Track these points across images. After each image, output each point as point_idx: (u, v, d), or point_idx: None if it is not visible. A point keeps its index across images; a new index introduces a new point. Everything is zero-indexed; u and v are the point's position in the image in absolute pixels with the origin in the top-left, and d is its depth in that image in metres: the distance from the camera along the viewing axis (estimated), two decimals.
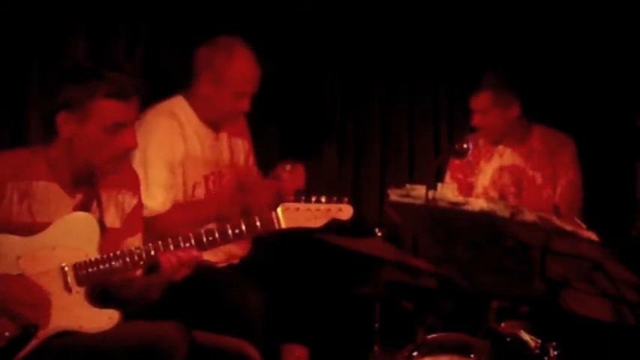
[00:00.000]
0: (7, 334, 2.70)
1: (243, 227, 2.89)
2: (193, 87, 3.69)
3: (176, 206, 3.55)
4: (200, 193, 3.67)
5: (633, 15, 4.42)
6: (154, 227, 3.21)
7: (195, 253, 2.83)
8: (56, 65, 3.93)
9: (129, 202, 3.01)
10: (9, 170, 2.82)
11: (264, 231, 2.92)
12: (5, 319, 2.71)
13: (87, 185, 2.90)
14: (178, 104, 3.68)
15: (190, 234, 2.86)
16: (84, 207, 2.89)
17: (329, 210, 2.92)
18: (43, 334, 2.73)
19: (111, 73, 2.79)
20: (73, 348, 2.73)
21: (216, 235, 2.88)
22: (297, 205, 2.90)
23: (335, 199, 2.95)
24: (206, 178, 3.69)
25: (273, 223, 2.90)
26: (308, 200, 2.92)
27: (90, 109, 2.78)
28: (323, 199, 2.92)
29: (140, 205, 3.07)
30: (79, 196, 2.89)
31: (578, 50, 4.58)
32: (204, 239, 2.86)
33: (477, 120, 4.13)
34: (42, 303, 2.73)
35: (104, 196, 2.93)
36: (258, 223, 2.90)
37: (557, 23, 4.59)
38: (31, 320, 2.72)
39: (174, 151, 3.59)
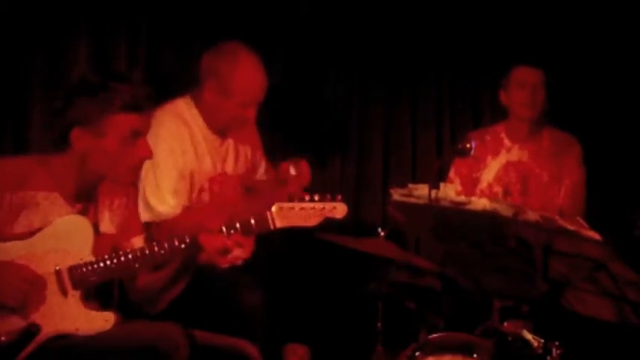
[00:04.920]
0: (3, 338, 2.70)
1: (238, 226, 2.90)
2: (198, 93, 3.67)
3: (186, 210, 3.55)
4: (205, 196, 3.66)
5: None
6: (164, 231, 3.20)
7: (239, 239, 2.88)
8: (59, 65, 3.97)
9: (124, 207, 3.00)
10: (8, 179, 2.80)
11: (259, 230, 2.92)
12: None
13: (88, 198, 2.91)
14: (186, 106, 3.66)
15: (186, 234, 2.87)
16: (82, 214, 2.88)
17: (323, 208, 2.93)
18: (40, 337, 2.72)
19: (121, 85, 2.79)
20: (73, 349, 2.73)
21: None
22: (292, 204, 2.91)
23: (328, 197, 2.95)
24: (211, 180, 3.68)
25: (268, 223, 2.91)
26: (302, 199, 2.92)
27: (105, 124, 2.78)
28: (316, 198, 2.93)
29: (136, 208, 3.08)
30: (78, 206, 2.89)
31: (583, 51, 4.58)
32: (187, 240, 2.87)
33: (527, 96, 4.08)
34: (35, 299, 2.72)
35: (99, 203, 2.93)
36: (252, 222, 2.90)
37: (561, 24, 4.59)
38: (19, 309, 2.71)
39: (182, 155, 3.58)
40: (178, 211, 3.52)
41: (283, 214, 2.90)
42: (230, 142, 3.77)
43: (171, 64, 4.23)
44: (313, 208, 2.92)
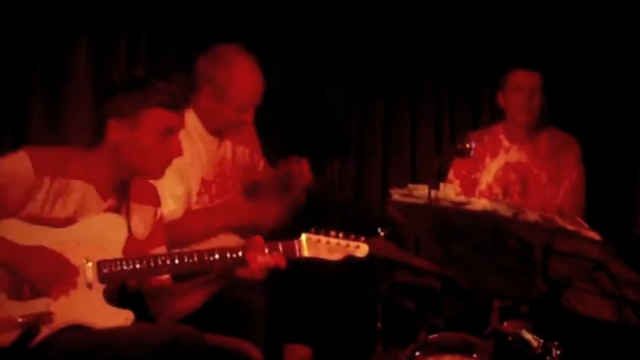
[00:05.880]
0: (20, 320, 2.72)
1: (266, 251, 2.93)
2: (195, 95, 3.65)
3: (190, 213, 3.55)
4: (204, 198, 3.66)
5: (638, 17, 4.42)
6: (168, 234, 3.21)
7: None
8: (59, 65, 3.97)
9: (152, 215, 3.05)
10: (49, 164, 2.85)
11: (285, 257, 2.96)
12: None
13: (121, 193, 2.94)
14: None
15: (215, 249, 2.92)
16: (114, 211, 2.93)
17: (348, 246, 3.01)
18: (57, 324, 2.74)
19: (161, 83, 2.86)
20: (85, 342, 2.74)
21: (240, 254, 2.93)
22: (319, 237, 2.99)
23: (352, 236, 3.02)
24: (210, 182, 3.68)
25: (295, 251, 2.97)
26: (328, 234, 2.99)
27: (141, 117, 2.85)
28: (341, 235, 3.00)
29: (162, 218, 3.12)
30: (110, 201, 2.93)
31: (582, 50, 4.58)
32: (229, 256, 2.91)
33: (524, 101, 4.10)
34: (61, 285, 2.75)
35: (131, 206, 2.97)
36: (280, 248, 2.94)
37: (561, 23, 4.59)
38: (44, 292, 2.75)
39: (180, 158, 3.58)
40: (180, 214, 3.52)
41: (311, 245, 2.98)
42: (227, 143, 3.77)
43: (171, 65, 4.23)
44: (338, 244, 3.00)
